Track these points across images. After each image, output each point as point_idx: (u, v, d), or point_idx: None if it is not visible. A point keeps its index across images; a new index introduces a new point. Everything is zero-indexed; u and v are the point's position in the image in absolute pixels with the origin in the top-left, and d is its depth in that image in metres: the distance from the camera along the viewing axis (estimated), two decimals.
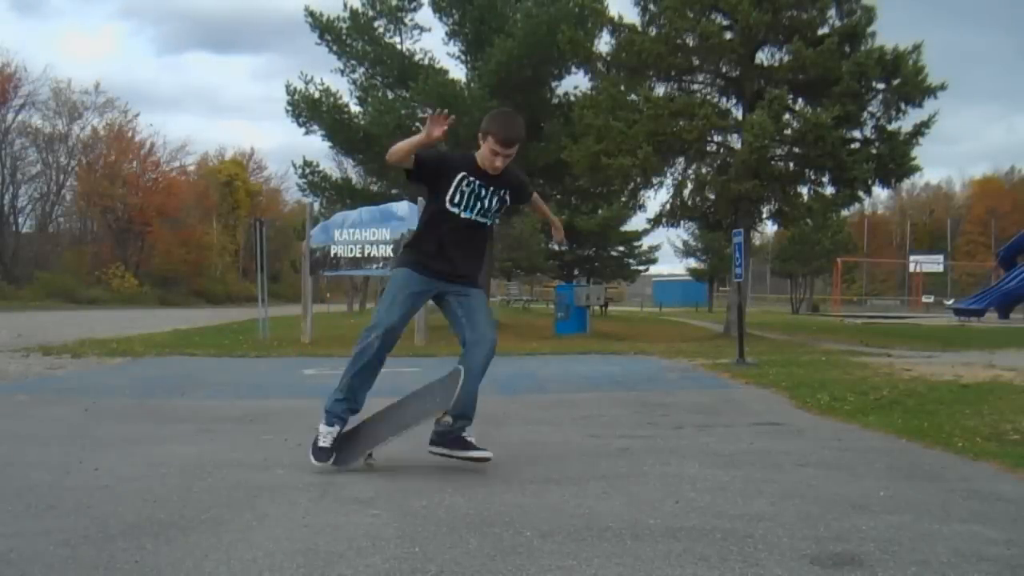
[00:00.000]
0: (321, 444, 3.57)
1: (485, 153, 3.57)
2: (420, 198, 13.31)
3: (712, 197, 15.46)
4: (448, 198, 3.58)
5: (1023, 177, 65.18)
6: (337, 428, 3.60)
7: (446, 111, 3.45)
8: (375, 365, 3.59)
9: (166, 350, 10.86)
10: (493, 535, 2.62)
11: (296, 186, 25.24)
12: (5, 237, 44.32)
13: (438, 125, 3.38)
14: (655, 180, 15.76)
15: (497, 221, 3.89)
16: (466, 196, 3.59)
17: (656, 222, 17.40)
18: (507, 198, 3.71)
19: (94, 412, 5.39)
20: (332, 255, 12.87)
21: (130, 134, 50.13)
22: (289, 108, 17.96)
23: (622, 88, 15.44)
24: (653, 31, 15.22)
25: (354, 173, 25.25)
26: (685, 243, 45.83)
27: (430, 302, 3.76)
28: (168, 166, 52.52)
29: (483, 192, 3.62)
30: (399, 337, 3.65)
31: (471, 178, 3.59)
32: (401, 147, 3.49)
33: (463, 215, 3.60)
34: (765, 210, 16.13)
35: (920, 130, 14.52)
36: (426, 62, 17.68)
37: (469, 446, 3.62)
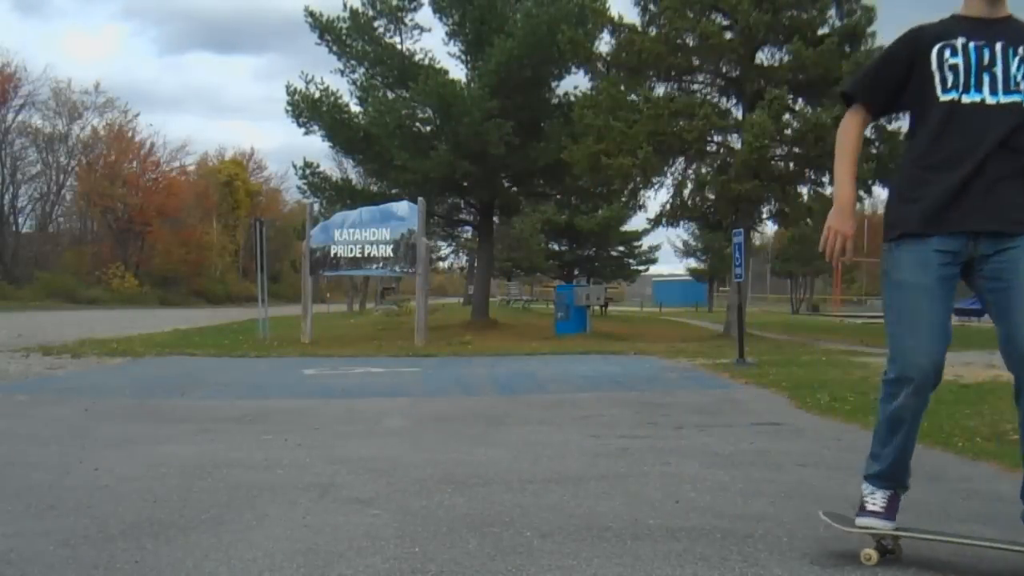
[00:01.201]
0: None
1: None
2: (421, 198, 13.35)
3: (712, 197, 15.46)
4: (937, 84, 2.31)
5: None
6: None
7: None
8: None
9: (166, 350, 10.86)
10: (493, 535, 2.62)
11: (296, 187, 25.25)
12: (5, 237, 44.31)
13: None
14: (655, 180, 15.75)
15: None
16: (961, 71, 2.28)
17: (656, 222, 17.41)
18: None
19: (94, 412, 5.40)
20: (332, 255, 12.87)
21: (130, 134, 50.15)
22: (289, 108, 17.96)
23: (622, 88, 15.43)
24: (653, 31, 15.22)
25: (354, 173, 25.26)
26: (685, 243, 45.93)
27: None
28: (168, 166, 52.54)
29: (987, 55, 2.28)
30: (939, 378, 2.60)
31: (958, 41, 2.30)
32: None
33: (964, 99, 2.27)
34: (765, 210, 16.12)
35: None
36: (426, 62, 17.66)
37: None
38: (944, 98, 2.29)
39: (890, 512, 2.39)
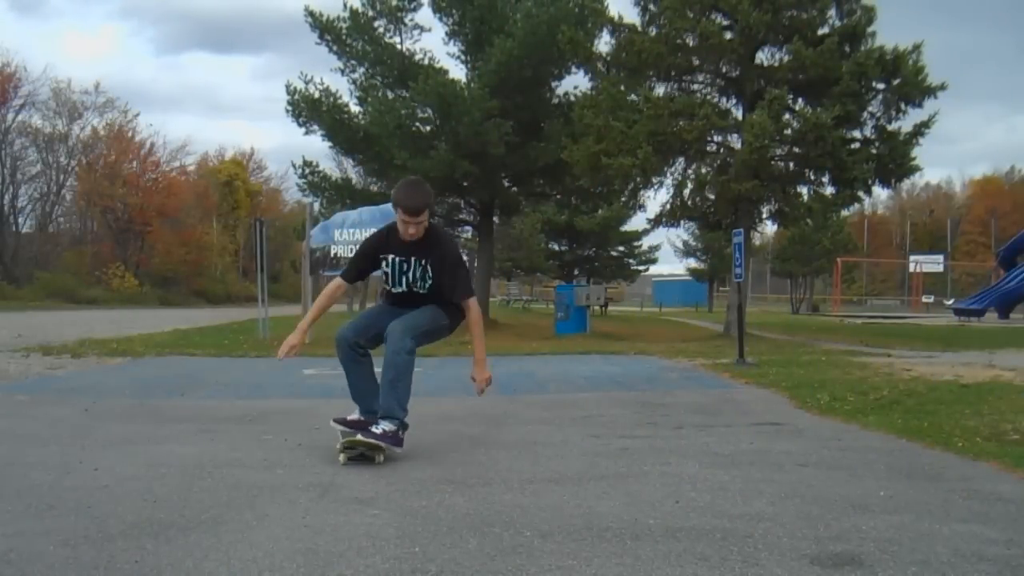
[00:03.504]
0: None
1: (400, 224, 3.82)
2: None
3: (712, 197, 15.45)
4: (385, 280, 4.01)
5: (1023, 177, 65.21)
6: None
7: (296, 348, 4.25)
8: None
9: (166, 350, 10.86)
10: (493, 535, 2.62)
11: (296, 186, 25.22)
12: (5, 237, 44.30)
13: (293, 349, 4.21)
14: (655, 180, 15.74)
15: (434, 287, 3.98)
16: (394, 272, 3.93)
17: (656, 222, 17.40)
18: (430, 267, 3.90)
19: (94, 412, 5.39)
20: (332, 255, 12.85)
21: (130, 134, 50.08)
22: (289, 108, 17.96)
23: (622, 88, 15.43)
24: (653, 31, 15.21)
25: (354, 173, 25.25)
26: (685, 243, 45.90)
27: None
28: (168, 166, 52.47)
29: (405, 266, 3.91)
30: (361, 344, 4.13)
31: (391, 256, 3.91)
32: (309, 318, 4.53)
33: (396, 289, 3.97)
34: (765, 210, 16.12)
35: (920, 130, 14.51)
36: (426, 62, 17.66)
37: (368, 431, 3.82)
38: None
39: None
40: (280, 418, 5.19)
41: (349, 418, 4.13)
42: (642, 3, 15.39)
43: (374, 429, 3.73)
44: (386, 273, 3.94)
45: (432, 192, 3.92)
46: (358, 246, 4.09)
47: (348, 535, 2.62)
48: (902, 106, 14.59)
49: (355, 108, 18.44)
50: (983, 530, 2.67)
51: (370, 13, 17.92)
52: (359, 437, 3.72)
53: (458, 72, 18.36)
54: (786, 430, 4.78)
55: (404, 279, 3.91)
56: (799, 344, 13.25)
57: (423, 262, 3.87)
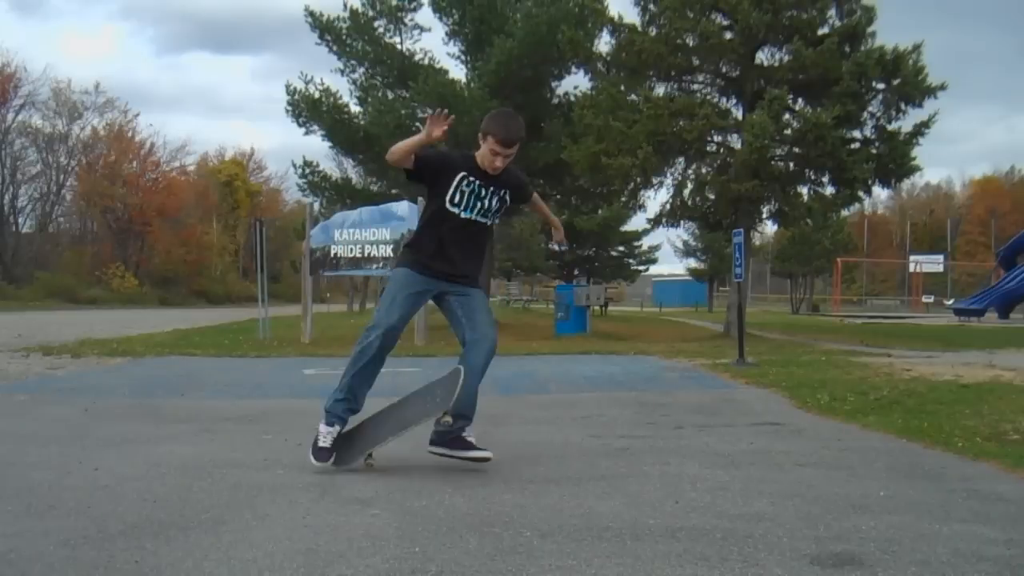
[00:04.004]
0: (321, 444, 3.57)
1: (485, 153, 3.57)
2: (420, 198, 13.34)
3: (712, 197, 15.44)
4: (448, 198, 3.59)
5: (1023, 177, 65.21)
6: (337, 428, 3.59)
7: (446, 111, 3.45)
8: (375, 365, 3.60)
9: (166, 350, 10.86)
10: (493, 535, 2.62)
11: (296, 186, 25.21)
12: (5, 237, 44.31)
13: (438, 125, 3.37)
14: (655, 180, 15.73)
15: (497, 221, 3.89)
16: (466, 196, 3.60)
17: (656, 222, 17.38)
18: (507, 198, 3.73)
19: (94, 412, 5.39)
20: (332, 255, 12.86)
21: (130, 134, 50.15)
22: (289, 108, 17.95)
23: (622, 88, 15.42)
24: (653, 31, 15.20)
25: (354, 173, 25.23)
26: (685, 243, 45.92)
27: (430, 302, 3.76)
28: (168, 166, 52.55)
29: (483, 192, 3.62)
30: (399, 337, 3.64)
31: (471, 178, 3.60)
32: (401, 147, 3.50)
33: (463, 215, 3.61)
34: (765, 210, 16.10)
35: (920, 130, 14.50)
36: (426, 62, 17.66)
37: (469, 446, 3.62)
38: None
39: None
40: (280, 418, 5.19)
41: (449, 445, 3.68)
42: (642, 3, 15.38)
43: (471, 439, 3.63)
44: (461, 192, 3.58)
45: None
46: (432, 157, 3.67)
47: (348, 535, 2.62)
48: (902, 106, 14.58)
49: (355, 108, 18.44)
50: (983, 530, 2.67)
51: (370, 13, 17.91)
52: (480, 454, 3.61)
53: (458, 72, 18.36)
54: (786, 430, 4.78)
55: (478, 206, 3.62)
56: (799, 344, 13.25)
57: (501, 192, 3.67)
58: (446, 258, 3.62)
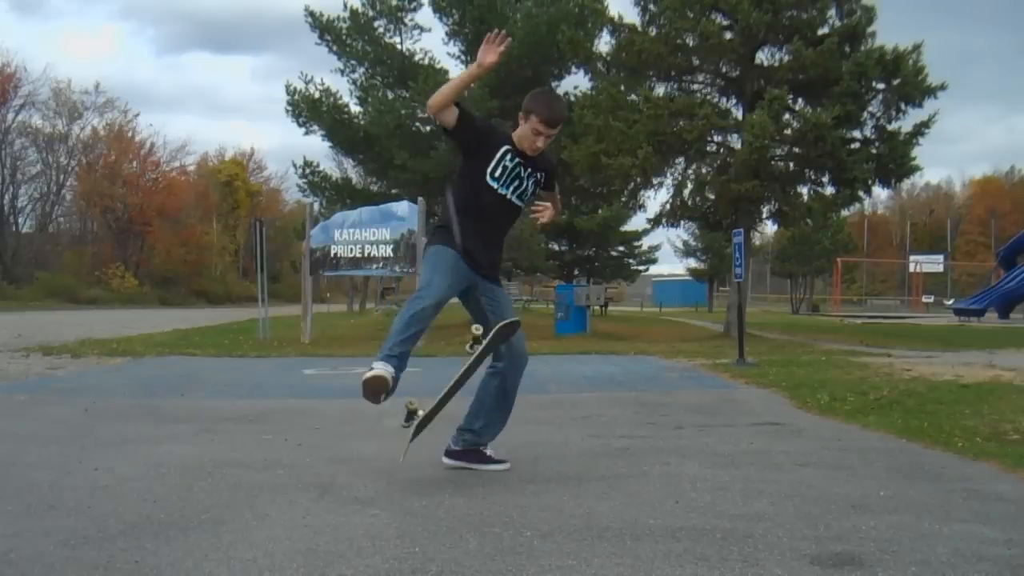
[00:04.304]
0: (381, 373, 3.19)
1: (525, 133, 3.39)
2: (420, 197, 13.33)
3: (712, 197, 15.44)
4: (490, 171, 3.36)
5: (1023, 177, 65.21)
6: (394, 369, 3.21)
7: (503, 31, 3.24)
8: (423, 331, 3.36)
9: (166, 350, 10.86)
10: (493, 535, 2.62)
11: (296, 186, 25.24)
12: (5, 237, 44.31)
13: (492, 50, 3.15)
14: (655, 180, 15.73)
15: (526, 206, 3.62)
16: (507, 172, 3.39)
17: (656, 222, 17.38)
18: (542, 182, 3.56)
19: (94, 412, 5.39)
20: (332, 255, 12.86)
21: (130, 134, 50.17)
22: (289, 108, 17.97)
23: (622, 88, 15.42)
24: (653, 31, 15.20)
25: (354, 173, 25.24)
26: (685, 243, 45.89)
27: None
28: (168, 166, 52.58)
29: (522, 172, 3.42)
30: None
31: (513, 154, 3.39)
32: (445, 90, 3.23)
33: (500, 191, 3.39)
34: (765, 210, 16.10)
35: (920, 130, 14.50)
36: (426, 62, 17.66)
37: (488, 459, 3.60)
38: None
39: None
40: (280, 418, 5.19)
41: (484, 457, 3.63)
42: (642, 3, 15.38)
43: (489, 452, 3.62)
44: (503, 168, 3.36)
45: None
46: (481, 120, 3.47)
47: (348, 535, 2.62)
48: (902, 106, 14.58)
49: (355, 108, 18.45)
50: (983, 530, 2.67)
51: (370, 13, 17.93)
52: (499, 467, 3.58)
53: (458, 72, 18.36)
54: (786, 430, 4.78)
55: (514, 185, 3.40)
56: (799, 344, 13.25)
57: (538, 175, 3.49)
58: (479, 244, 3.40)
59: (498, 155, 3.36)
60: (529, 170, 3.45)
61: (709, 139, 15.22)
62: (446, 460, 3.61)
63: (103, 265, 44.27)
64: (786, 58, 14.70)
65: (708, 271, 44.40)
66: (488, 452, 3.62)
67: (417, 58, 17.92)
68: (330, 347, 11.85)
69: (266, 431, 4.66)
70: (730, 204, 15.01)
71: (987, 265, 45.50)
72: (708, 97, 15.56)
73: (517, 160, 3.40)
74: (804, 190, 15.71)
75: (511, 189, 3.41)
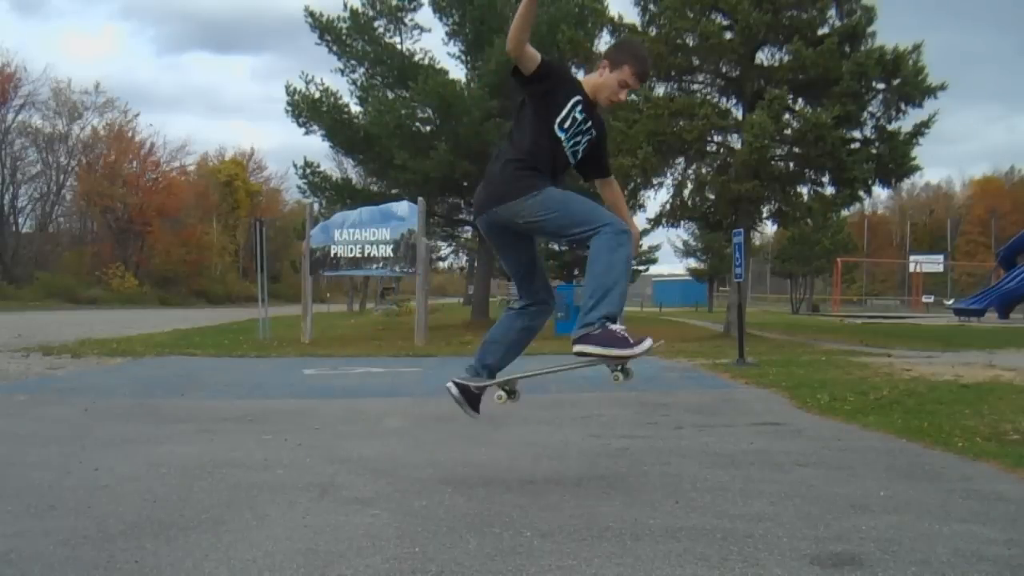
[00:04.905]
0: (622, 334, 3.23)
1: (610, 83, 3.14)
2: (420, 197, 13.33)
3: (712, 197, 15.45)
4: (559, 121, 3.08)
5: (1023, 177, 65.22)
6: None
7: None
8: None
9: (166, 350, 10.86)
10: (493, 535, 2.62)
11: (296, 186, 25.26)
12: (5, 237, 44.31)
13: None
14: (655, 180, 15.73)
15: (575, 161, 3.28)
16: (575, 125, 3.10)
17: (656, 222, 17.40)
18: (595, 142, 3.24)
19: (94, 412, 5.39)
20: (332, 255, 12.87)
21: (130, 134, 50.18)
22: (289, 108, 17.98)
23: None
24: (653, 31, 15.21)
25: (354, 173, 25.28)
26: (685, 243, 45.88)
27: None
28: (168, 166, 52.57)
29: (583, 127, 3.13)
30: None
31: (582, 107, 3.10)
32: (517, 27, 2.86)
33: (564, 144, 3.12)
34: (765, 210, 16.11)
35: (920, 130, 14.51)
36: (426, 62, 17.69)
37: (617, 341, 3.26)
38: None
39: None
40: (280, 418, 5.19)
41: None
42: (642, 3, 15.39)
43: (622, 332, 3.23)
44: (573, 119, 3.07)
45: None
46: (560, 63, 3.22)
47: (348, 535, 2.62)
48: (902, 106, 14.58)
49: (355, 108, 18.48)
50: (983, 530, 2.66)
51: (370, 13, 17.95)
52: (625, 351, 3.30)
53: (458, 72, 18.41)
54: (786, 430, 4.78)
55: (575, 140, 3.13)
56: (799, 344, 13.25)
57: (593, 135, 3.19)
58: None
59: (570, 104, 3.09)
60: (589, 125, 3.17)
61: (709, 139, 15.22)
62: (575, 347, 3.25)
63: (103, 265, 44.27)
64: (786, 58, 14.71)
65: (708, 271, 44.41)
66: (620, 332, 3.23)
67: (417, 58, 17.95)
68: (330, 347, 11.85)
69: (266, 431, 4.66)
70: (730, 204, 15.01)
71: (987, 265, 45.51)
72: (708, 97, 15.57)
73: (585, 115, 3.13)
74: (804, 190, 15.72)
75: (571, 144, 3.15)
